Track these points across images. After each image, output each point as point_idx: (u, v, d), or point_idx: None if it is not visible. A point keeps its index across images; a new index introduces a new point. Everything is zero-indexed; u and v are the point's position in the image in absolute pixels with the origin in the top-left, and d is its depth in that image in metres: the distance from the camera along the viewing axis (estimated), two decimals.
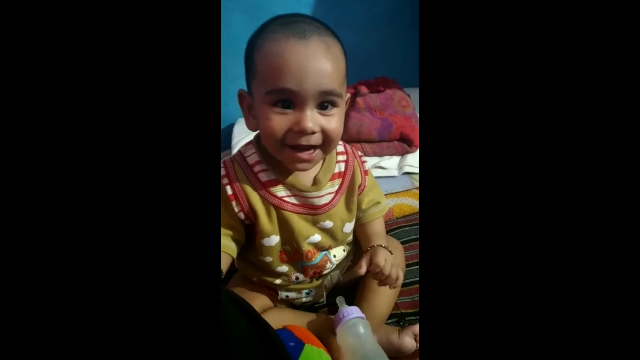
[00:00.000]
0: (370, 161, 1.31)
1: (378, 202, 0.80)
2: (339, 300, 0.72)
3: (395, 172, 1.29)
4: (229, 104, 1.52)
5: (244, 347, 0.49)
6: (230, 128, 1.51)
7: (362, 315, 0.70)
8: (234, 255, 0.70)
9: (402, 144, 1.35)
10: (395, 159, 1.33)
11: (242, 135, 1.39)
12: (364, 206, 0.78)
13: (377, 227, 0.79)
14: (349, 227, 0.76)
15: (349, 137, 1.33)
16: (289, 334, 0.63)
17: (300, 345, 0.61)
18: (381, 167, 1.29)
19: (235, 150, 1.30)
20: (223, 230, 0.69)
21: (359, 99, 1.36)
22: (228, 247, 0.69)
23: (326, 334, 0.73)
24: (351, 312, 0.69)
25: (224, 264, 0.68)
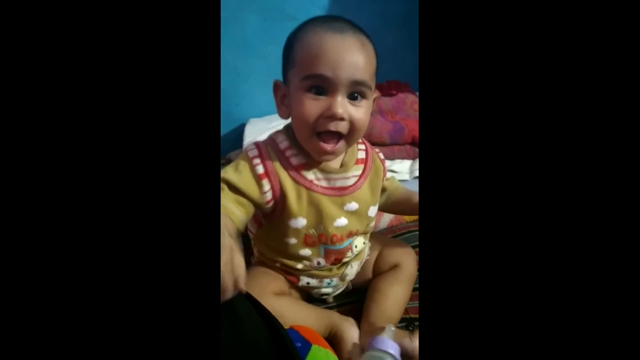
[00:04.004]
0: None
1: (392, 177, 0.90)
2: (389, 327, 0.70)
3: (406, 176, 1.28)
4: (241, 103, 1.53)
5: (254, 340, 0.49)
6: (242, 127, 1.52)
7: (397, 355, 0.67)
8: (239, 225, 0.66)
9: (413, 148, 1.34)
10: (407, 163, 1.33)
11: (253, 135, 1.39)
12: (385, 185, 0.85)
13: (407, 192, 0.88)
14: (373, 210, 0.79)
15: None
16: (296, 335, 0.63)
17: (307, 346, 0.61)
18: (392, 171, 1.29)
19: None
20: (237, 199, 0.66)
21: None
22: (237, 215, 0.65)
23: (339, 330, 0.73)
24: (386, 344, 0.67)
25: (234, 229, 0.62)
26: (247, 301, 0.56)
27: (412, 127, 1.33)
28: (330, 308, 0.85)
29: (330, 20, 0.65)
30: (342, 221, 0.74)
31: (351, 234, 0.77)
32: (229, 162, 1.43)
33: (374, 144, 1.33)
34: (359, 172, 0.76)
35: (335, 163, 0.74)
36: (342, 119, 0.63)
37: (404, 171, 1.30)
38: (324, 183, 0.72)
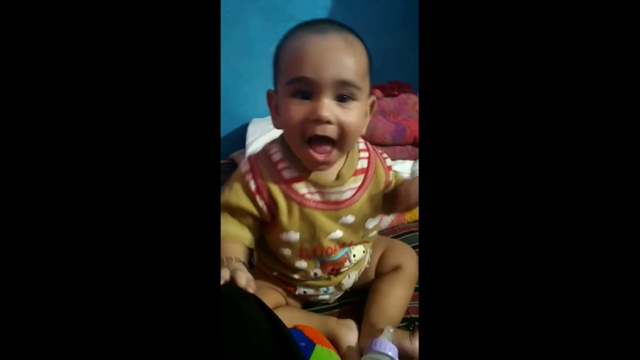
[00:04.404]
0: None
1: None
2: (387, 329, 0.71)
3: (407, 176, 1.28)
4: (244, 104, 1.53)
5: (257, 339, 0.49)
6: (244, 127, 1.52)
7: (396, 357, 0.67)
8: (250, 245, 0.71)
9: (415, 149, 1.35)
10: (408, 163, 1.33)
11: (256, 135, 1.40)
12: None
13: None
14: (371, 222, 0.76)
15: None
16: (300, 334, 0.63)
17: (311, 345, 0.61)
18: (394, 171, 1.29)
19: (249, 150, 1.31)
20: (241, 221, 0.70)
21: None
22: (244, 237, 0.70)
23: (337, 337, 0.73)
24: (384, 347, 0.67)
25: (242, 253, 0.67)
26: (251, 301, 0.57)
27: (413, 127, 1.33)
28: (331, 308, 0.85)
29: (315, 23, 0.63)
30: (337, 234, 0.72)
31: (346, 245, 0.75)
32: (231, 162, 1.43)
33: (376, 144, 1.34)
34: (358, 184, 0.72)
35: (330, 175, 0.70)
36: (328, 122, 0.60)
37: (405, 171, 1.30)
38: (317, 197, 0.70)
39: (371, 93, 0.68)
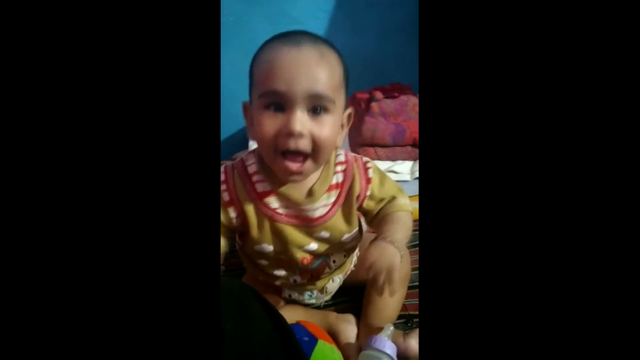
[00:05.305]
0: (383, 165, 1.33)
1: (393, 197, 0.74)
2: (387, 326, 0.71)
3: (407, 177, 1.31)
4: None
5: (260, 332, 0.51)
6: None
7: (394, 355, 0.68)
8: (223, 249, 0.71)
9: (414, 149, 1.37)
10: (408, 164, 1.36)
11: None
12: (376, 207, 0.74)
13: (392, 219, 0.70)
14: (348, 236, 0.75)
15: (362, 141, 1.35)
16: (303, 329, 0.65)
17: (313, 340, 0.63)
18: (394, 172, 1.32)
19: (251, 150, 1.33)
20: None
21: (373, 104, 1.38)
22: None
23: (336, 331, 0.75)
24: (383, 344, 0.67)
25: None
26: (252, 296, 0.58)
27: (413, 129, 1.35)
28: (327, 306, 0.86)
29: (290, 34, 0.62)
30: (312, 247, 0.72)
31: (321, 256, 0.75)
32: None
33: (376, 145, 1.36)
34: (332, 200, 0.70)
35: (302, 190, 0.68)
36: (301, 136, 0.59)
37: (405, 172, 1.32)
38: (289, 212, 0.69)
39: (348, 105, 0.67)
